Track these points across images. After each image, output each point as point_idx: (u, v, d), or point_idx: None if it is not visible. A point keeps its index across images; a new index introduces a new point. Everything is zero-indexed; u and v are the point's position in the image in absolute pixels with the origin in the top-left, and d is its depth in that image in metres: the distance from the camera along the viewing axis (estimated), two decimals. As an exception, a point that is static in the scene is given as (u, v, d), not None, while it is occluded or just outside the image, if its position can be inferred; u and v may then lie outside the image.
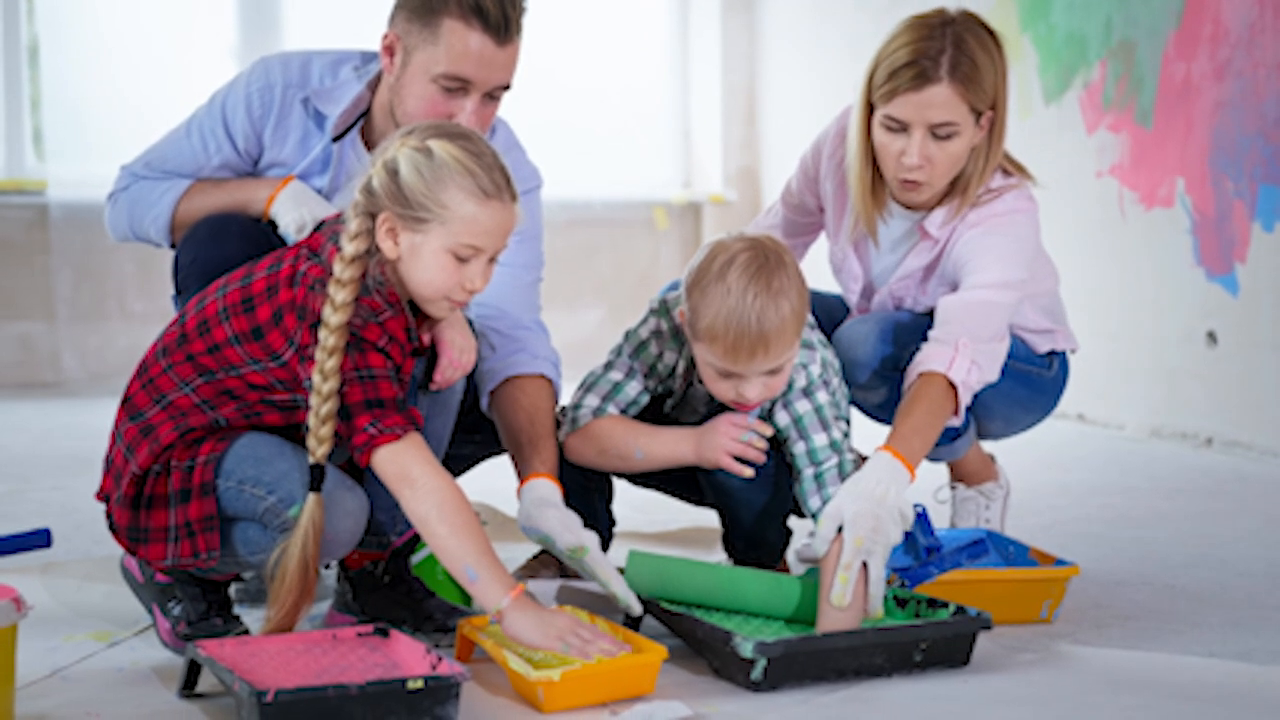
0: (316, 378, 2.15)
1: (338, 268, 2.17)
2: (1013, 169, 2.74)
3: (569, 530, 2.35)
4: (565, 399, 2.63)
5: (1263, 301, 4.21)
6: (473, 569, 2.14)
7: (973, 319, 2.58)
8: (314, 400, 2.16)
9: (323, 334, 2.15)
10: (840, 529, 2.34)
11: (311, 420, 2.17)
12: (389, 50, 2.51)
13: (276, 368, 2.22)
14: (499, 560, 2.17)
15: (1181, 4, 4.40)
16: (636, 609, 2.31)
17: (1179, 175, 4.43)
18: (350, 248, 2.17)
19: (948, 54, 2.58)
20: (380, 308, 2.19)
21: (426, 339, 2.34)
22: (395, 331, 2.20)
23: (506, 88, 2.51)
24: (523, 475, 2.46)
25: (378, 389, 2.17)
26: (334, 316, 2.15)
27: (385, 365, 2.18)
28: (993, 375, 2.59)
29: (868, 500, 2.34)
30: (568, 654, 2.12)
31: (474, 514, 2.19)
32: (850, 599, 2.30)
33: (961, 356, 2.53)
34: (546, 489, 2.42)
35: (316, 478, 2.18)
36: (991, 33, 2.64)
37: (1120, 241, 4.65)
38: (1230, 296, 4.30)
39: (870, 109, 2.66)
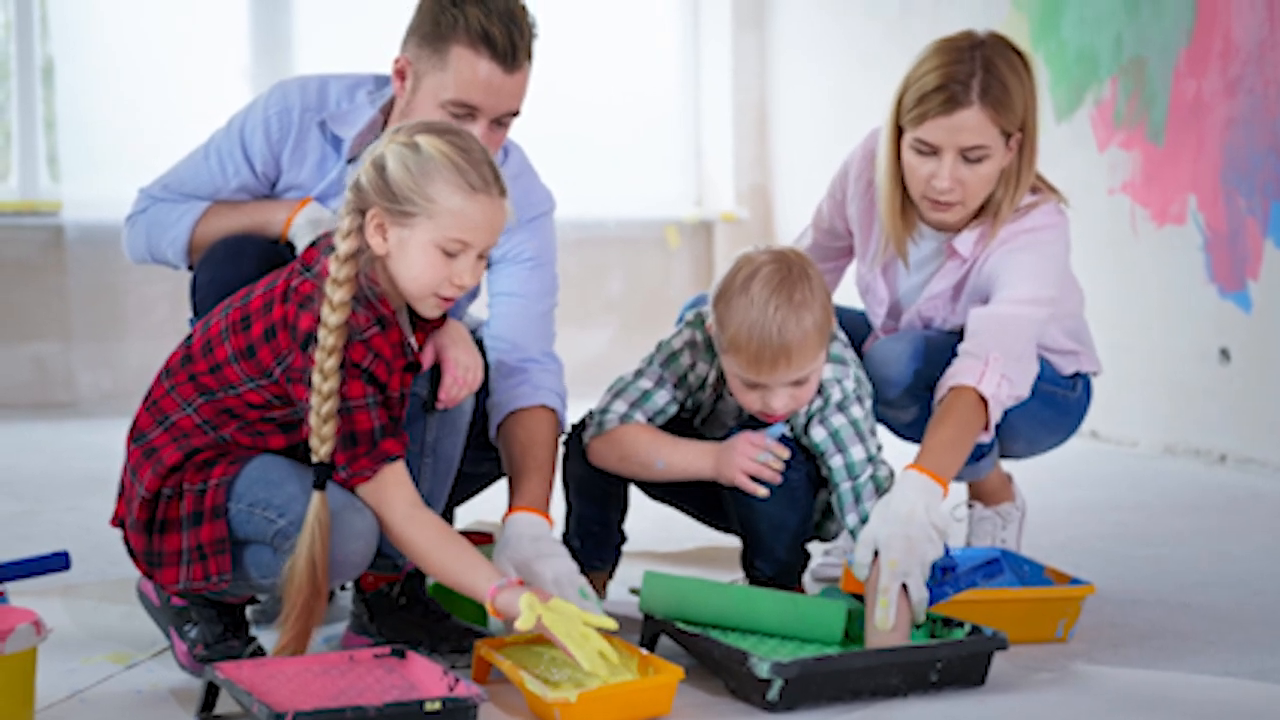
0: (316, 377, 2.16)
1: (333, 267, 2.18)
2: (1043, 187, 2.74)
3: (539, 560, 2.35)
4: (588, 403, 2.64)
5: (1276, 318, 4.20)
6: (457, 577, 2.20)
7: (1004, 332, 2.58)
8: (314, 400, 2.17)
9: (322, 334, 2.16)
10: (877, 553, 2.35)
11: (313, 419, 2.18)
12: (400, 74, 2.52)
13: (269, 384, 2.23)
14: (482, 561, 2.21)
15: (1192, 21, 4.40)
16: (611, 625, 2.31)
17: (1191, 192, 4.43)
18: (344, 245, 2.19)
19: (978, 77, 2.58)
20: (366, 324, 2.19)
21: (430, 357, 2.35)
22: (382, 349, 2.21)
23: (515, 114, 2.53)
24: (508, 508, 2.47)
25: (353, 422, 2.19)
26: (332, 316, 2.16)
27: (364, 394, 2.19)
28: (1024, 391, 2.59)
29: (897, 522, 2.35)
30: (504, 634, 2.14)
31: (447, 531, 2.24)
32: (894, 621, 2.31)
33: (992, 370, 2.53)
34: (515, 525, 2.41)
35: (321, 475, 2.18)
36: (1020, 54, 2.64)
37: (1132, 258, 4.65)
38: (1243, 313, 4.30)
39: (899, 131, 2.66)
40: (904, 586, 2.33)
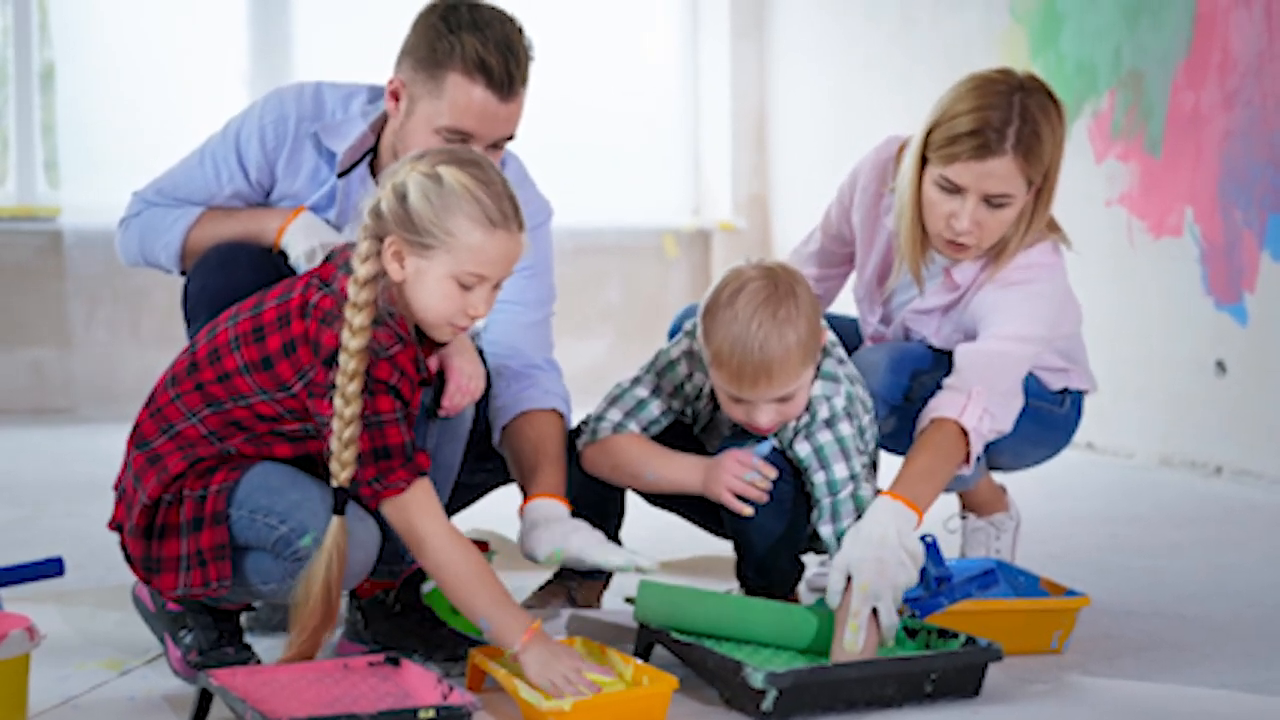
0: (339, 402, 2.16)
1: (352, 290, 2.18)
2: (1047, 228, 2.72)
3: (553, 539, 2.40)
4: (585, 411, 2.64)
5: (1272, 330, 4.21)
6: (486, 620, 2.18)
7: (989, 368, 2.57)
8: (336, 425, 2.17)
9: (343, 359, 2.16)
10: (851, 578, 2.35)
11: (334, 444, 2.17)
12: (394, 95, 2.51)
13: (286, 398, 2.22)
14: (511, 602, 2.20)
15: (1190, 33, 4.41)
16: (646, 564, 2.36)
17: (1188, 204, 4.44)
18: (363, 270, 2.18)
19: (1014, 126, 2.54)
20: (390, 341, 2.19)
21: (434, 365, 2.35)
22: (405, 365, 2.21)
23: (510, 138, 2.53)
24: (524, 498, 2.49)
25: (385, 436, 2.19)
26: (353, 341, 2.16)
27: (394, 408, 2.19)
28: (1006, 426, 2.58)
29: (869, 545, 2.35)
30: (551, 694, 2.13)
31: (482, 560, 2.22)
32: (862, 645, 2.30)
33: (974, 404, 2.52)
34: (540, 510, 2.44)
35: (340, 501, 2.18)
36: (1056, 102, 2.61)
37: (1129, 270, 4.66)
38: (1239, 325, 4.30)
39: (924, 161, 2.63)
40: (874, 610, 2.33)
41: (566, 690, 2.13)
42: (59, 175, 5.66)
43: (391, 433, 2.19)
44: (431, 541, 2.20)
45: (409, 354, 2.22)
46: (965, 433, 2.52)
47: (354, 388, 2.16)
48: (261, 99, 2.63)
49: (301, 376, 2.20)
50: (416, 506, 2.20)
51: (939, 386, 2.60)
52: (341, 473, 2.18)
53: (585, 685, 2.14)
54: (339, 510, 2.18)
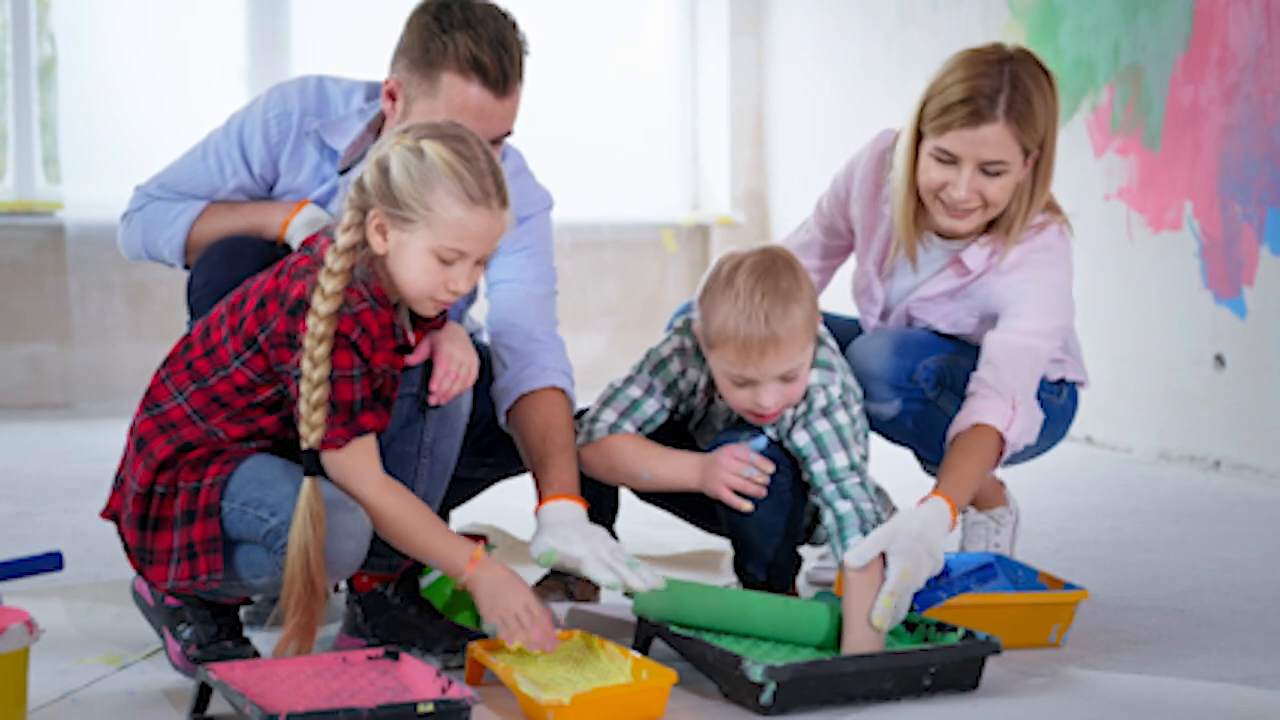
0: (306, 365, 2.18)
1: (329, 257, 2.19)
2: (1049, 208, 2.73)
3: (551, 542, 2.40)
4: (584, 404, 2.64)
5: (1271, 324, 4.21)
6: (432, 556, 2.26)
7: (1021, 364, 2.61)
8: (304, 387, 2.18)
9: (311, 321, 2.17)
10: (884, 555, 2.35)
11: (303, 406, 2.19)
12: (390, 95, 2.51)
13: (254, 356, 2.23)
14: (454, 535, 2.27)
15: (1189, 28, 4.41)
16: (638, 584, 2.34)
17: (1187, 198, 4.44)
18: (343, 239, 2.20)
19: (1005, 93, 2.58)
20: (357, 298, 2.20)
21: (424, 352, 2.35)
22: (370, 324, 2.21)
23: (508, 134, 2.52)
24: (539, 499, 2.48)
25: (334, 391, 2.20)
26: (323, 305, 2.17)
27: (350, 364, 2.20)
28: (1032, 439, 2.63)
29: (914, 538, 2.37)
30: (496, 635, 2.22)
31: (420, 504, 2.27)
32: (890, 624, 2.32)
33: (1019, 417, 2.57)
34: (553, 513, 2.44)
35: (311, 463, 2.19)
36: (1047, 72, 2.65)
37: (1128, 264, 4.66)
38: (1238, 319, 4.30)
39: (919, 137, 2.66)
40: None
41: (519, 634, 2.18)
42: (58, 170, 5.66)
43: (342, 388, 2.20)
44: (365, 500, 2.23)
45: (380, 317, 2.22)
46: (1003, 442, 2.57)
47: (322, 350, 2.17)
48: (264, 93, 2.63)
49: (265, 328, 2.22)
50: (350, 465, 2.22)
51: (944, 369, 2.62)
52: (311, 435, 2.19)
53: (537, 629, 2.19)
54: (310, 472, 2.19)
